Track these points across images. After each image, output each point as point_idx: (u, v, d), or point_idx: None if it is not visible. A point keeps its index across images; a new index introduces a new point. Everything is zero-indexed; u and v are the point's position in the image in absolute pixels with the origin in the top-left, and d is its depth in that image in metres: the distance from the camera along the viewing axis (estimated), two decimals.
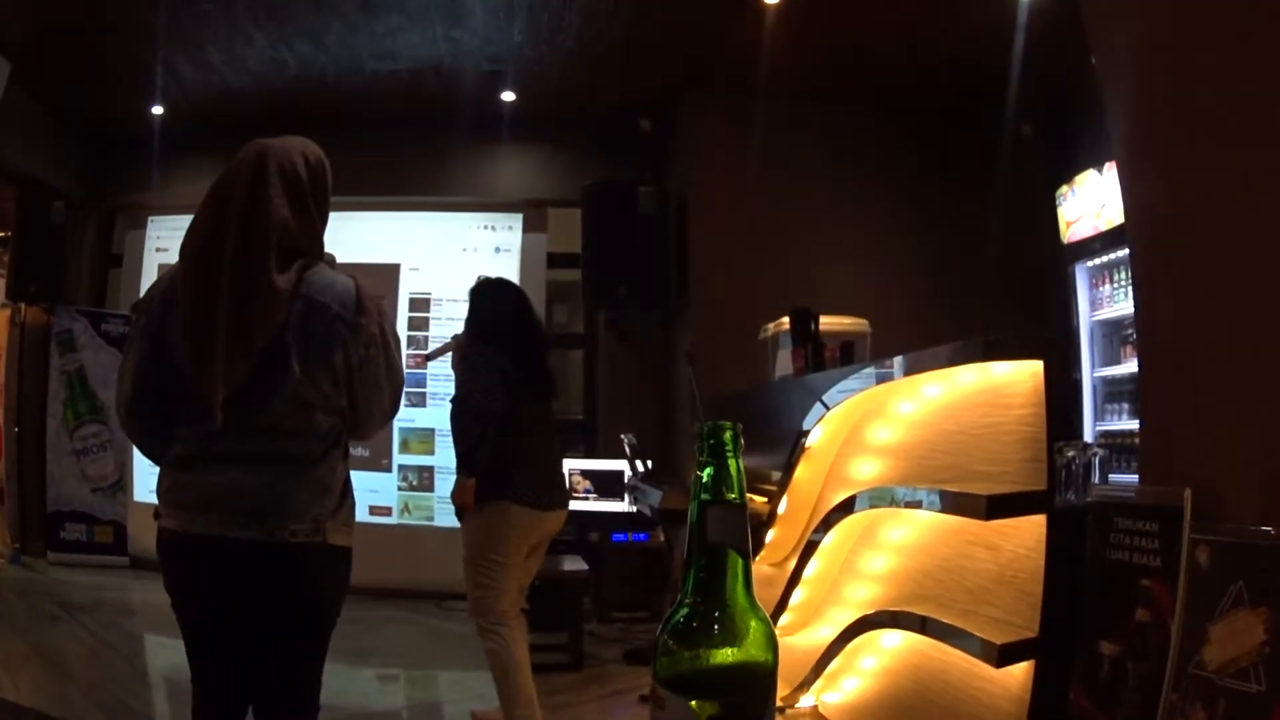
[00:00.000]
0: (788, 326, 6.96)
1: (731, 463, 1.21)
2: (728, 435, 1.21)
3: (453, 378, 6.21)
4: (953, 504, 4.10)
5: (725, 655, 1.19)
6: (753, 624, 1.20)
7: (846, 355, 6.22)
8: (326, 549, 3.37)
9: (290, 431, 3.33)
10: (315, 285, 3.38)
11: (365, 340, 3.44)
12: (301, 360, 3.31)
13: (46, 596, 10.30)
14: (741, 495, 1.21)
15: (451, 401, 6.03)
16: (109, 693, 7.15)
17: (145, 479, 11.72)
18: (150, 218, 13.09)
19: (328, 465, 3.42)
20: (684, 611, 1.21)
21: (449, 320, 11.10)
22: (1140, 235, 4.07)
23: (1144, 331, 3.96)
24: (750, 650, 1.20)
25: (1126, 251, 8.10)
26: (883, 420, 5.22)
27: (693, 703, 1.17)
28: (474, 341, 6.13)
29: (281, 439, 3.32)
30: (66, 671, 7.60)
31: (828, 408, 5.45)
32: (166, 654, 8.30)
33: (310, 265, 3.42)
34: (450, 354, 6.31)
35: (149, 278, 12.43)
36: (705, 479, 1.21)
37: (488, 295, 6.34)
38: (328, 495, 3.39)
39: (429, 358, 6.62)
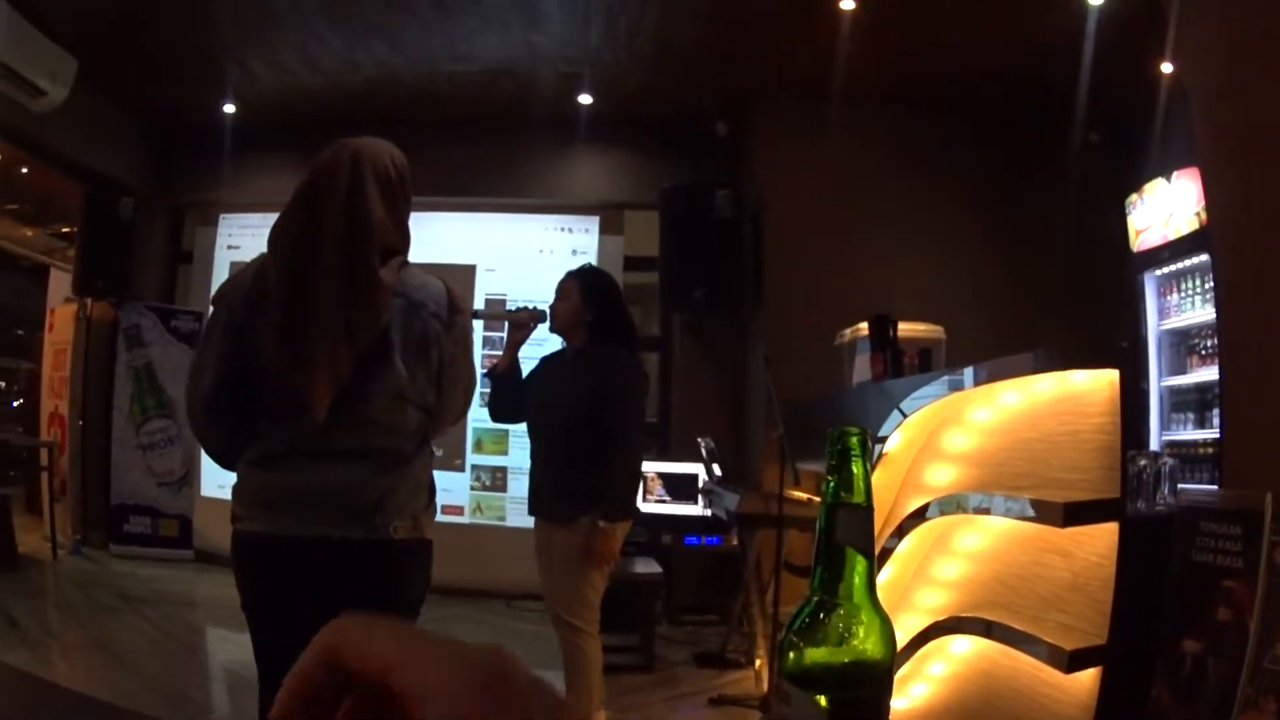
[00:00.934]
0: (865, 332, 6.98)
1: (857, 466, 1.26)
2: (854, 440, 1.26)
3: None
4: (1030, 511, 4.13)
5: (847, 651, 1.24)
6: (874, 621, 1.25)
7: (925, 362, 6.23)
8: (424, 544, 3.44)
9: (387, 427, 3.37)
10: (411, 284, 3.43)
11: (455, 339, 3.51)
12: (403, 356, 3.35)
13: (107, 588, 10.40)
14: (867, 498, 1.26)
15: (605, 424, 5.41)
16: (170, 684, 7.23)
17: (212, 474, 11.90)
18: (222, 215, 13.22)
19: (420, 461, 3.48)
20: (810, 608, 1.26)
21: None
22: (1223, 241, 4.09)
23: (1226, 338, 3.99)
24: (871, 647, 1.25)
25: (1195, 260, 8.16)
26: (959, 427, 5.23)
27: (817, 697, 1.22)
28: (620, 339, 5.75)
29: (379, 434, 3.35)
30: (127, 662, 7.65)
31: (905, 414, 5.47)
32: (229, 648, 8.39)
33: (405, 264, 3.46)
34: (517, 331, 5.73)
35: (220, 275, 12.64)
36: (832, 482, 1.26)
37: (616, 290, 6.02)
38: (422, 490, 3.46)
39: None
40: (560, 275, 5.89)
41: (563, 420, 5.53)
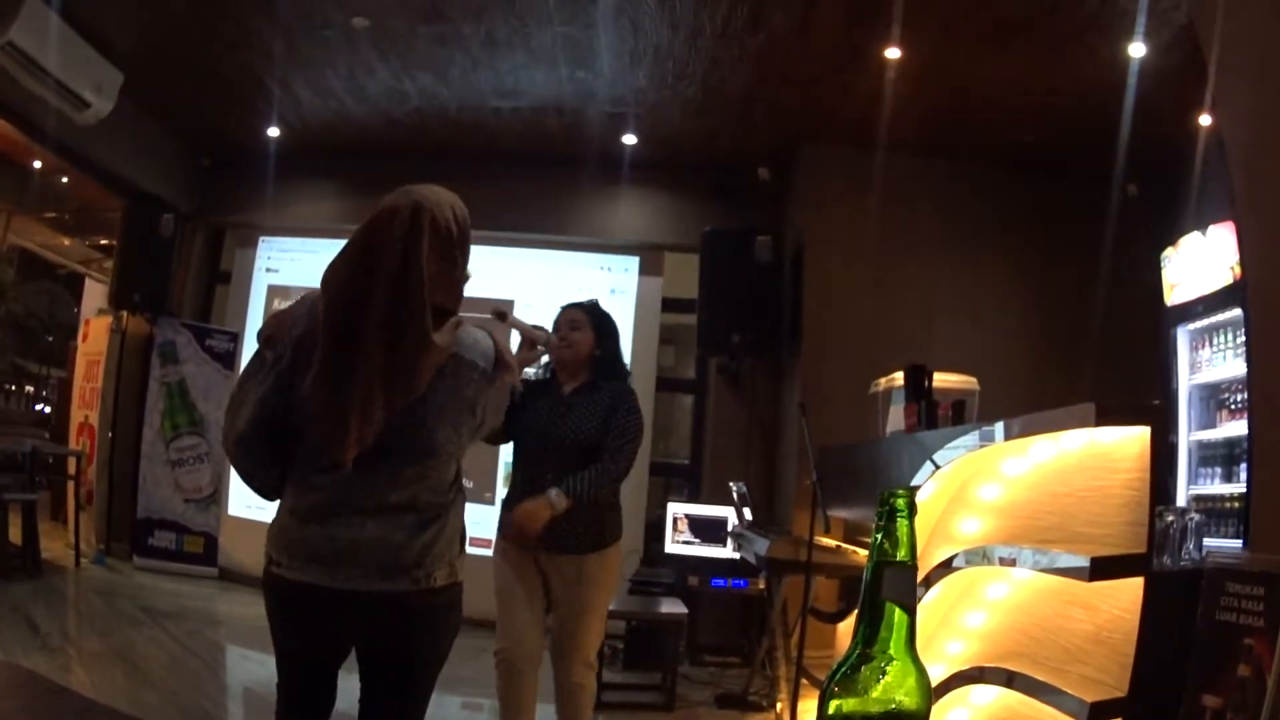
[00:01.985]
0: (900, 382, 7.02)
1: (903, 526, 1.32)
2: (902, 502, 1.32)
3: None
4: (1057, 563, 4.17)
5: (886, 703, 1.30)
6: (912, 675, 1.32)
7: (958, 413, 6.25)
8: (459, 587, 3.48)
9: (432, 484, 3.39)
10: (464, 343, 3.43)
11: (499, 391, 3.53)
12: (450, 415, 3.37)
13: (130, 600, 10.43)
14: (912, 556, 1.32)
15: (610, 432, 5.47)
16: (190, 700, 7.26)
17: (241, 494, 11.82)
18: (261, 238, 13.27)
19: (456, 510, 3.51)
20: (852, 660, 1.32)
21: None
22: (1258, 295, 4.12)
23: (1257, 394, 4.03)
24: (908, 698, 1.31)
25: (1227, 315, 8.17)
26: (991, 479, 5.27)
27: None
28: (622, 377, 5.79)
29: (425, 491, 3.37)
30: (146, 675, 7.68)
31: (937, 466, 5.52)
32: (250, 667, 8.44)
33: (460, 323, 3.45)
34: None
35: (258, 296, 12.85)
36: (880, 540, 1.32)
37: (618, 328, 5.97)
38: (457, 537, 3.51)
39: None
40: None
41: (584, 451, 5.45)
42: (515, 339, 5.35)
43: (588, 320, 5.71)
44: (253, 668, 8.38)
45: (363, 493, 3.28)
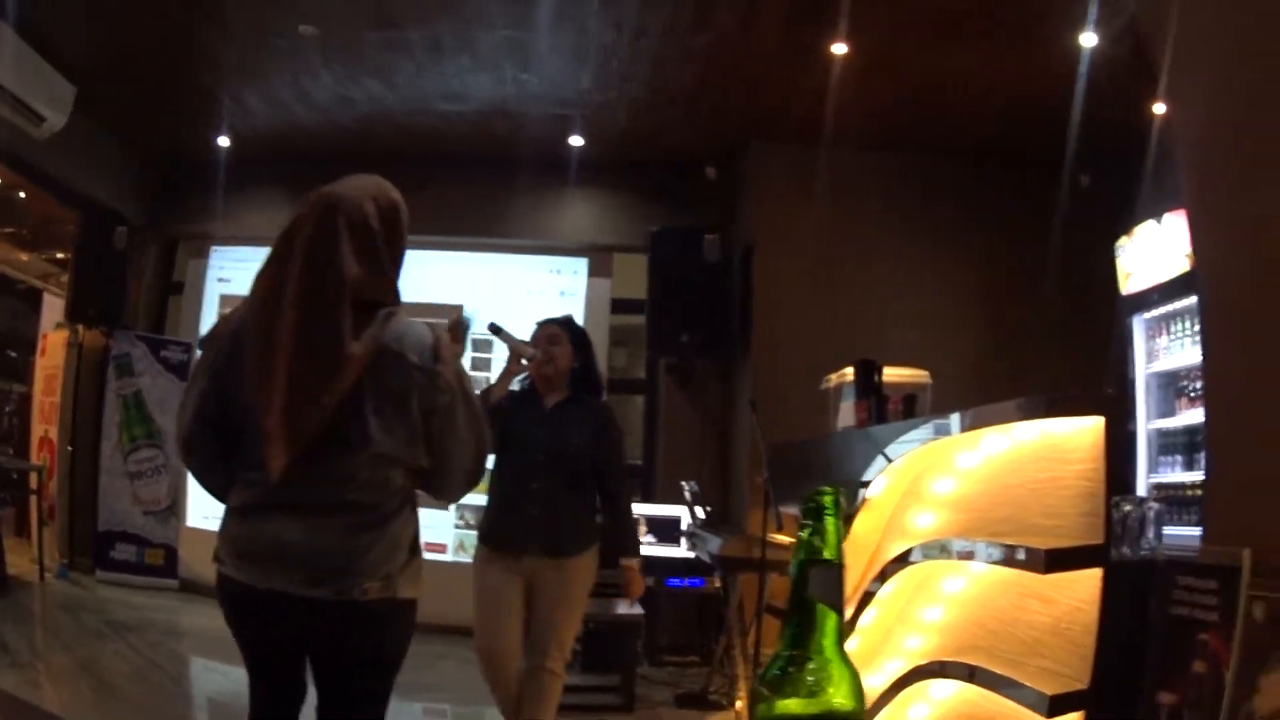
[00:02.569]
0: (851, 377, 6.99)
1: (830, 524, 1.28)
2: (828, 499, 1.28)
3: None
4: (1012, 557, 4.15)
5: (816, 703, 1.27)
6: (843, 674, 1.28)
7: (909, 408, 6.23)
8: (397, 604, 3.36)
9: (362, 484, 3.30)
10: (393, 334, 3.36)
11: (441, 388, 3.41)
12: (377, 411, 3.30)
13: (94, 613, 10.39)
14: (838, 554, 1.29)
15: (611, 464, 5.95)
16: (157, 712, 7.25)
17: (199, 505, 11.92)
18: (213, 247, 13.23)
19: (400, 521, 3.40)
20: (780, 662, 1.29)
21: None
22: (1210, 287, 4.11)
23: (1211, 384, 4.01)
24: (839, 698, 1.27)
25: (1184, 303, 8.19)
26: (944, 473, 5.25)
27: None
28: (598, 391, 6.21)
29: (355, 490, 3.29)
30: (114, 689, 7.63)
31: (889, 460, 5.50)
32: (215, 678, 8.44)
33: (392, 315, 3.40)
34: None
35: (210, 306, 12.80)
36: (805, 539, 1.29)
37: (592, 343, 6.33)
38: (399, 550, 3.38)
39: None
40: (544, 316, 6.04)
41: (572, 463, 5.78)
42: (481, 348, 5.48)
43: (566, 335, 6.00)
44: (217, 679, 8.39)
45: (291, 490, 3.23)
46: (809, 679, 1.28)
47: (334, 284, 3.24)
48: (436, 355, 3.44)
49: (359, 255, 3.33)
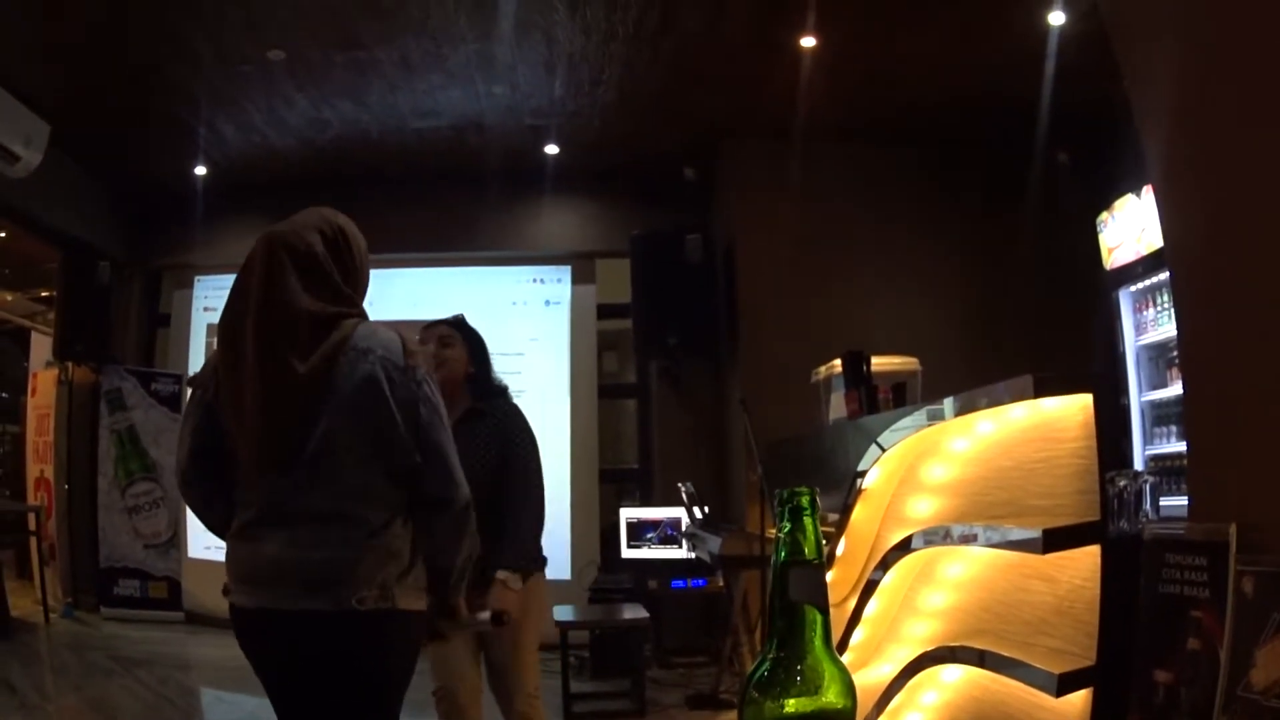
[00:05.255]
0: (840, 369, 6.98)
1: (809, 524, 1.27)
2: (805, 499, 1.28)
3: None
4: (1010, 540, 4.15)
5: (806, 704, 1.26)
6: (832, 674, 1.27)
7: (899, 396, 6.19)
8: (397, 614, 3.33)
9: (353, 493, 3.30)
10: (359, 335, 3.38)
11: (418, 378, 3.41)
12: (341, 409, 3.31)
13: (100, 650, 10.38)
14: (819, 554, 1.28)
15: (512, 472, 5.00)
16: None
17: (199, 536, 11.77)
18: (197, 277, 13.28)
19: (395, 532, 3.37)
20: (767, 665, 1.28)
21: (503, 374, 11.32)
22: (1180, 262, 4.11)
23: (1186, 359, 4.01)
24: (830, 699, 1.27)
25: (1168, 275, 8.19)
26: (937, 458, 5.25)
27: None
28: (503, 394, 5.33)
29: (344, 500, 3.29)
30: None
31: (883, 449, 5.49)
32: (224, 709, 8.44)
33: (359, 322, 3.43)
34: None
35: (198, 336, 12.86)
36: (785, 540, 1.28)
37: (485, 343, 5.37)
38: (395, 560, 3.35)
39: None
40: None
41: (488, 489, 4.72)
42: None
43: (459, 336, 5.20)
44: (227, 709, 8.39)
45: (282, 507, 3.29)
46: (798, 680, 1.27)
47: (286, 318, 3.32)
48: (406, 350, 3.46)
49: (309, 288, 3.38)
